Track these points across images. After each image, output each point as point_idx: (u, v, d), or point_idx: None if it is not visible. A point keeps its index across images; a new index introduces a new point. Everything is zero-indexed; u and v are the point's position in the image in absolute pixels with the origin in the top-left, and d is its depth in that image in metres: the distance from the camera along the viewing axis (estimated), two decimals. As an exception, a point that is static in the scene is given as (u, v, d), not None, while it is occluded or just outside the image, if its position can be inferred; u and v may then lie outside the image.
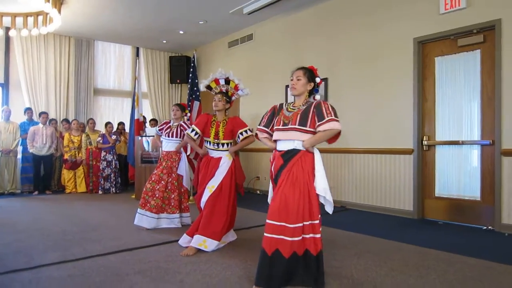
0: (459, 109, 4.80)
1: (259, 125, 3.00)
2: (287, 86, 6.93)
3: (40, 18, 6.47)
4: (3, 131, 7.37)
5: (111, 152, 7.74)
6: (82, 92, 8.80)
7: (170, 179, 4.56)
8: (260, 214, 5.12)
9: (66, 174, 7.81)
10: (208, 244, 3.45)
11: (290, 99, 6.92)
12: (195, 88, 6.45)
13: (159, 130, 4.84)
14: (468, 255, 3.39)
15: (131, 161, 7.48)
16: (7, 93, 8.13)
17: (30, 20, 6.52)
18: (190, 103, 6.24)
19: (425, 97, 5.11)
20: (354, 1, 5.96)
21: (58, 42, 8.43)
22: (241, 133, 3.70)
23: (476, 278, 2.83)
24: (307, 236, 2.60)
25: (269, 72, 7.46)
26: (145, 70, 9.70)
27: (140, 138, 7.04)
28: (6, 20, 6.59)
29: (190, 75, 6.59)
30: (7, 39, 7.97)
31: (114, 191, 7.68)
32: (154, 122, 8.84)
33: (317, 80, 2.84)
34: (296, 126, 2.70)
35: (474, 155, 4.69)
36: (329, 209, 2.70)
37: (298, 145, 2.69)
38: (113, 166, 7.72)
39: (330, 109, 2.66)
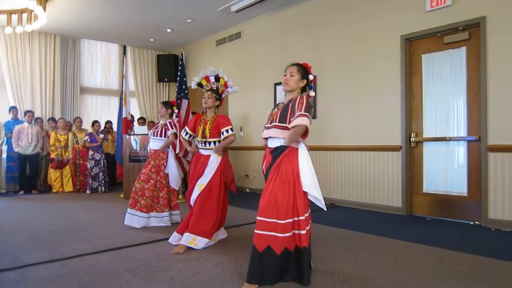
0: (446, 106, 4.86)
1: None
2: (275, 84, 6.93)
3: (25, 15, 6.35)
4: (-13, 131, 7.24)
5: (99, 151, 7.66)
6: (68, 91, 8.69)
7: (159, 178, 4.54)
8: (250, 212, 5.11)
9: (52, 174, 7.70)
10: (198, 242, 3.45)
11: (279, 97, 6.95)
12: (184, 86, 6.43)
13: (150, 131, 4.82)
14: (456, 249, 3.44)
15: (119, 160, 7.41)
16: (-10, 92, 7.98)
17: (14, 17, 6.39)
18: (178, 101, 6.20)
19: (412, 94, 5.16)
20: (342, -1, 5.99)
21: (43, 40, 8.30)
22: (222, 132, 3.66)
23: (465, 272, 2.87)
24: (296, 232, 2.60)
25: (257, 70, 7.45)
26: (133, 68, 9.63)
27: (128, 136, 6.97)
28: (-10, 18, 6.48)
29: (179, 73, 6.54)
30: (-9, 37, 7.81)
31: (102, 190, 7.61)
32: (142, 120, 8.77)
33: (311, 77, 2.83)
34: (277, 124, 2.71)
35: (460, 151, 4.75)
36: (320, 205, 2.66)
37: (284, 141, 2.69)
38: (101, 165, 7.64)
39: (303, 104, 2.60)
